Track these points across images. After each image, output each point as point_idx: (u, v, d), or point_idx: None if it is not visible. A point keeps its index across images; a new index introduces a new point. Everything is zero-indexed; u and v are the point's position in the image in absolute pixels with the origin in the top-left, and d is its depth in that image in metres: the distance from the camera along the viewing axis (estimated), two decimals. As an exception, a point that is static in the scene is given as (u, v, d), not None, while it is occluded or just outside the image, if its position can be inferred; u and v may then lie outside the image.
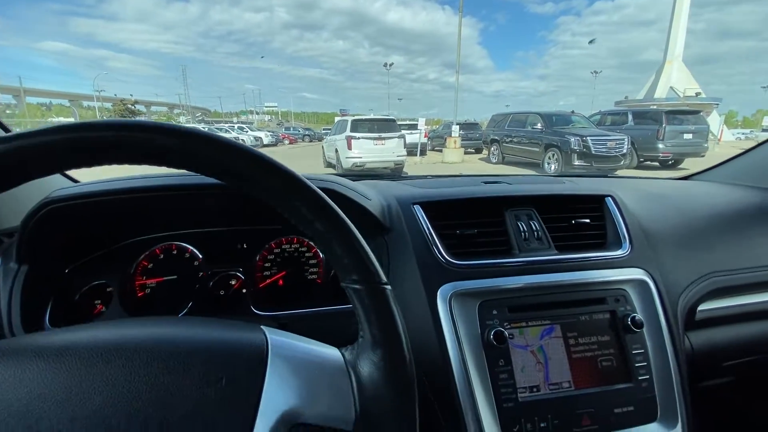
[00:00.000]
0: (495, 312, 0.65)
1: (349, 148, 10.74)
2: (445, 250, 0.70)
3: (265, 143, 26.46)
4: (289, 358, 0.37)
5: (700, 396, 0.91)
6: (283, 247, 0.84)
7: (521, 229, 0.75)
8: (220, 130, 24.47)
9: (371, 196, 0.77)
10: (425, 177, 1.13)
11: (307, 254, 0.84)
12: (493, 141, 12.74)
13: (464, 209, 0.77)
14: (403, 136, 11.66)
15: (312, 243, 0.83)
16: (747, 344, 0.85)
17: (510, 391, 0.61)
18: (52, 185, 0.73)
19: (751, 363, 0.87)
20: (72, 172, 0.92)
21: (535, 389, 0.63)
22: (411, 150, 13.91)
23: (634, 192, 1.01)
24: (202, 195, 0.69)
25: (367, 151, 10.76)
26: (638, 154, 9.84)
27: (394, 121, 12.52)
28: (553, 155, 9.85)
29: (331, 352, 0.39)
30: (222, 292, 0.79)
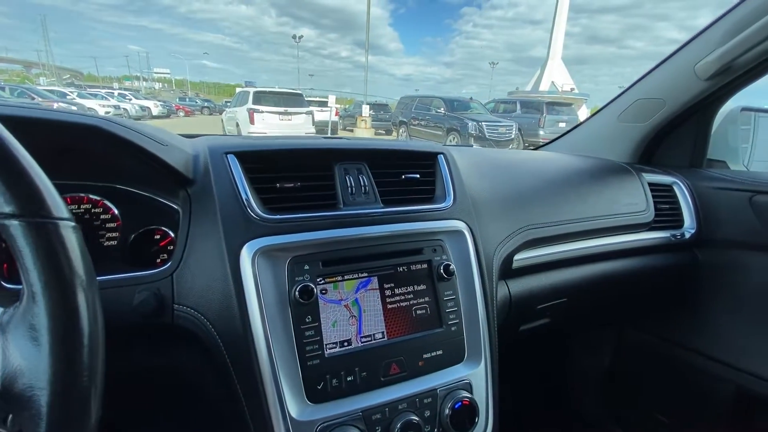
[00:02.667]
0: (307, 267, 0.61)
1: (252, 122, 9.99)
2: (259, 204, 0.63)
3: (154, 114, 23.24)
4: None
5: (520, 337, 1.02)
6: (69, 207, 0.68)
7: (348, 183, 0.72)
8: (95, 96, 20.65)
9: (170, 142, 0.66)
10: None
11: (102, 216, 0.70)
12: (401, 123, 13.10)
13: (291, 163, 0.71)
14: (311, 113, 11.27)
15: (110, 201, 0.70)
16: (556, 288, 0.96)
17: (316, 348, 0.58)
18: None
19: (560, 305, 0.99)
20: None
21: (346, 343, 0.61)
22: (321, 128, 13.54)
23: (477, 158, 1.07)
24: None
25: (271, 126, 10.11)
26: (523, 139, 11.04)
27: (301, 95, 11.99)
28: (454, 138, 10.55)
29: None
30: None
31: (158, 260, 0.71)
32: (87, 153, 0.63)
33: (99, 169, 0.68)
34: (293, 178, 0.68)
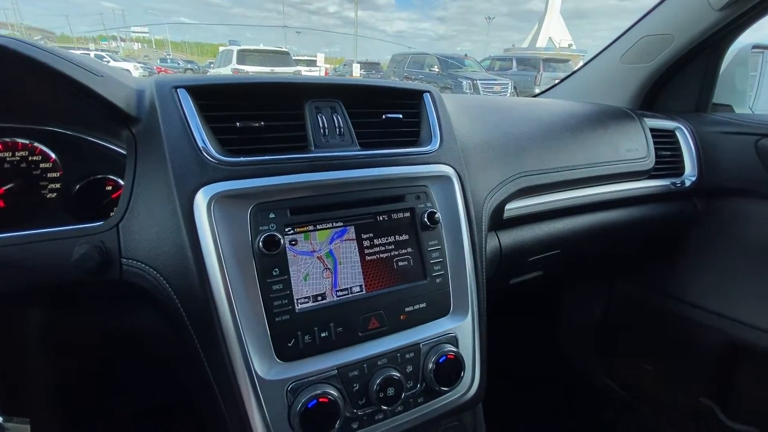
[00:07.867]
0: (272, 215, 0.54)
1: (237, 83, 9.58)
2: (215, 145, 0.55)
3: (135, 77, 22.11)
4: None
5: (509, 291, 0.98)
6: (2, 155, 0.60)
7: (321, 123, 0.64)
8: (69, 57, 19.45)
9: (107, 74, 0.56)
10: None
11: (42, 165, 0.62)
12: (393, 81, 12.68)
13: (253, 99, 0.62)
14: (298, 72, 10.88)
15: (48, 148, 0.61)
16: (549, 240, 0.91)
17: (285, 303, 0.53)
18: None
19: (553, 257, 0.95)
20: None
21: (320, 297, 0.55)
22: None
23: (467, 102, 0.98)
24: None
25: (257, 87, 9.72)
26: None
27: (287, 54, 11.52)
28: (448, 97, 10.27)
29: None
30: None
31: (111, 213, 0.64)
32: (6, 87, 0.54)
33: (28, 109, 0.59)
34: (256, 116, 0.60)
